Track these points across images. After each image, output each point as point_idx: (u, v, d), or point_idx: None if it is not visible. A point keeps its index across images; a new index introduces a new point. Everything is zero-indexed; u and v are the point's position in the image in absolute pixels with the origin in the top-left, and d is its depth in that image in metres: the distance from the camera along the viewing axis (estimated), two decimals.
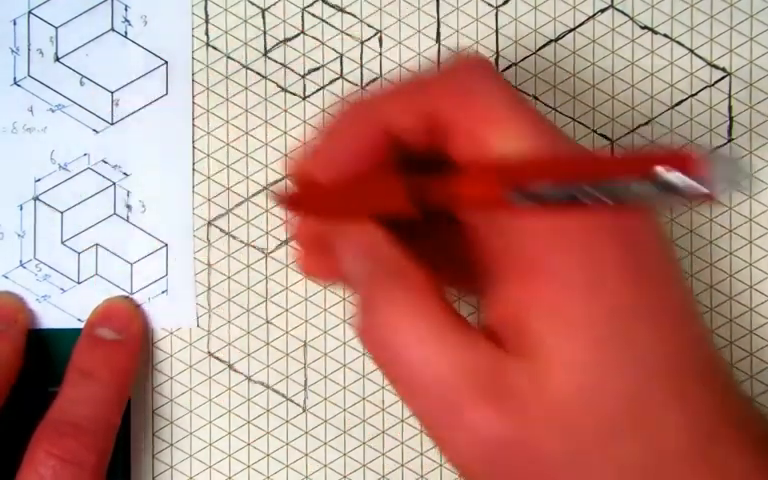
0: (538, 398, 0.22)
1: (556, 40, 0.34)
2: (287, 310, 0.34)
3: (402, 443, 0.34)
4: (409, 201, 0.24)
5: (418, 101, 0.24)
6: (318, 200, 0.27)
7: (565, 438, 0.22)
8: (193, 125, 0.34)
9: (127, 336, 0.33)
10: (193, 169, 0.34)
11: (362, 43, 0.34)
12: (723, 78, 0.34)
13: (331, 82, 0.34)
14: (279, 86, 0.34)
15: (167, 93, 0.34)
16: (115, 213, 0.34)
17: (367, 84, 0.34)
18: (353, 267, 0.25)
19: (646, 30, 0.34)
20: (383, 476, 0.34)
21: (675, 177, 0.19)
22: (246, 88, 0.34)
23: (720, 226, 0.34)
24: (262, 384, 0.34)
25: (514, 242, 0.23)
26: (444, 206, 0.23)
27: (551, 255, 0.22)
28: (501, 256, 0.23)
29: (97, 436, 0.31)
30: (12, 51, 0.34)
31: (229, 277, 0.34)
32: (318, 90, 0.34)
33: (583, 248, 0.22)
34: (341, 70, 0.34)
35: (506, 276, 0.23)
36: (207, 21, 0.34)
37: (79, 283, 0.35)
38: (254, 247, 0.34)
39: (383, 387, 0.34)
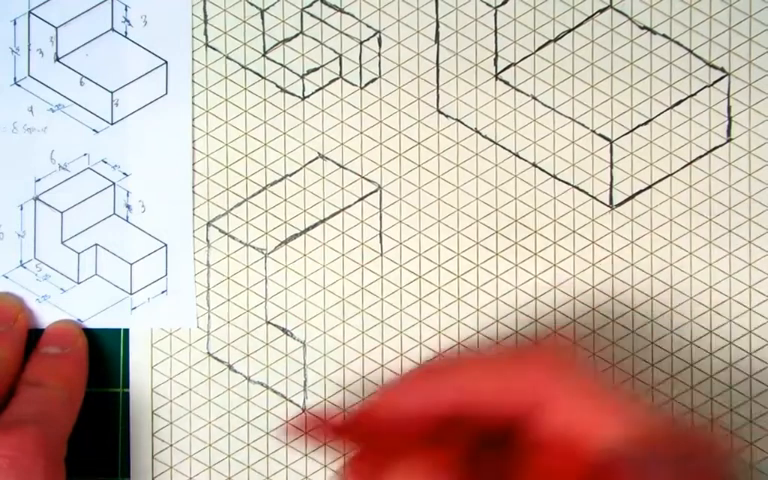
0: None
1: (555, 40, 0.34)
2: (287, 310, 0.34)
3: None
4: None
5: (509, 371, 0.24)
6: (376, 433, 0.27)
7: None
8: (192, 125, 0.34)
9: (72, 349, 0.34)
10: (193, 169, 0.34)
11: (361, 43, 0.34)
12: (722, 78, 0.34)
13: (330, 82, 0.34)
14: (278, 86, 0.34)
15: (167, 93, 0.34)
16: (115, 213, 0.35)
17: (366, 84, 0.34)
18: None
19: (645, 30, 0.34)
20: None
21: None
22: (245, 88, 0.34)
23: (720, 226, 0.34)
24: (262, 384, 0.34)
25: None
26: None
27: None
28: None
29: (44, 431, 0.31)
30: (12, 51, 0.34)
31: (228, 278, 0.34)
32: (317, 90, 0.34)
33: None
34: (340, 70, 0.34)
35: None
36: (206, 21, 0.34)
37: (79, 283, 0.35)
38: (253, 247, 0.34)
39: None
